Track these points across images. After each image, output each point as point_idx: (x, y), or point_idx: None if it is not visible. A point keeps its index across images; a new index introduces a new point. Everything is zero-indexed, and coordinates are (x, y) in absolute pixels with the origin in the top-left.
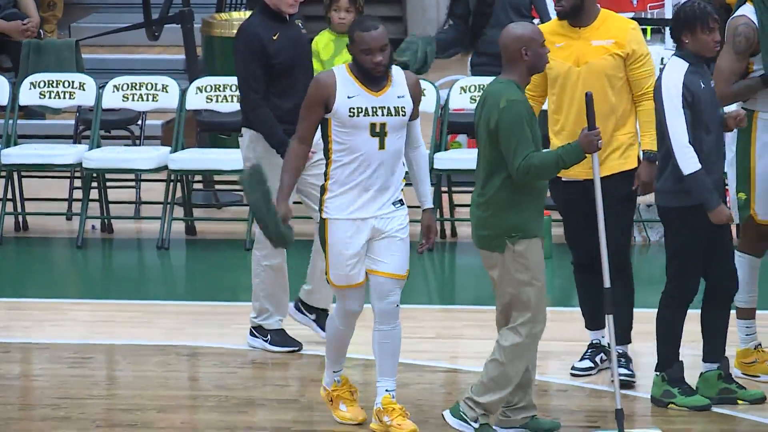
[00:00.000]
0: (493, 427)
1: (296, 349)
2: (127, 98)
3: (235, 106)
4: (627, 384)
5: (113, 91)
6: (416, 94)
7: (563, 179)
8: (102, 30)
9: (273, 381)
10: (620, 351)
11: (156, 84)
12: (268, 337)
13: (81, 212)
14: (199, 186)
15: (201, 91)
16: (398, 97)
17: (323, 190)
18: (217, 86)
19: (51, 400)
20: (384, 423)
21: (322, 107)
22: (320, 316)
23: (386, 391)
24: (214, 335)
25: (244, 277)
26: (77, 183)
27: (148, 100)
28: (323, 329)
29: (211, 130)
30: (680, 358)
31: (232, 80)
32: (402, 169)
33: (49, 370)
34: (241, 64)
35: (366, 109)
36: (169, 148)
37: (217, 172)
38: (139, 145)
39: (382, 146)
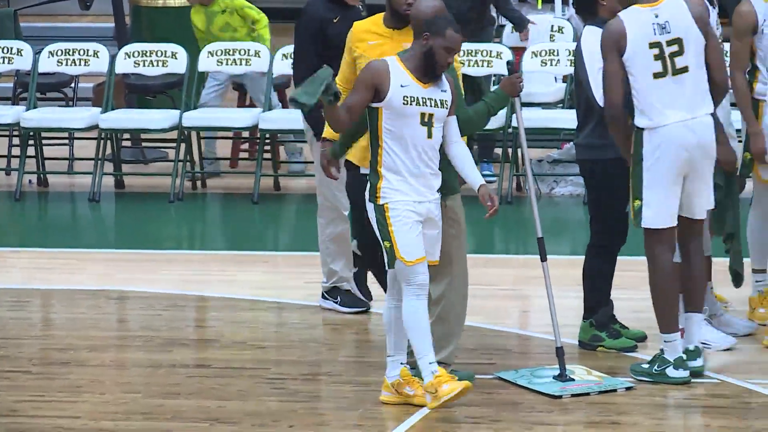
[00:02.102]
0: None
1: (365, 309)
2: (62, 63)
3: (161, 70)
4: None
5: (48, 57)
6: (454, 94)
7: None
8: (39, 0)
9: (195, 323)
10: None
11: (88, 50)
12: (338, 299)
13: (19, 168)
14: (128, 143)
15: (129, 57)
16: (442, 91)
17: (377, 177)
18: (144, 52)
19: None
20: (405, 393)
21: (372, 90)
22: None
23: (401, 364)
24: (141, 280)
25: (168, 227)
26: (15, 141)
27: (80, 64)
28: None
29: (138, 92)
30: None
31: (158, 47)
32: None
33: None
34: (298, 43)
35: (417, 98)
36: (99, 109)
37: (143, 131)
38: (72, 106)
39: (429, 135)
